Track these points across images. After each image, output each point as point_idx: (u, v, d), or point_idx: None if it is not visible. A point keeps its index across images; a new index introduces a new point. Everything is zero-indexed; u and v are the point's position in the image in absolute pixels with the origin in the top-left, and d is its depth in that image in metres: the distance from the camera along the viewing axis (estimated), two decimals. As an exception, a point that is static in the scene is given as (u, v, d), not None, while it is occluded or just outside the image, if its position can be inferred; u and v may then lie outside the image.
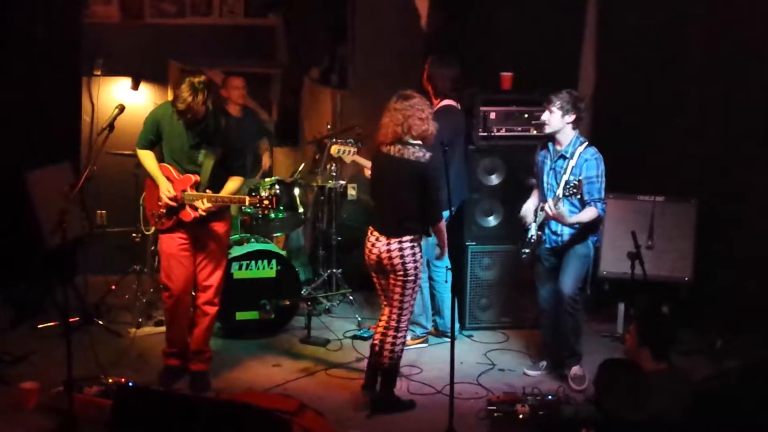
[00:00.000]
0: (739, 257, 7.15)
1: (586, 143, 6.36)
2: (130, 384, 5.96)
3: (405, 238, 6.01)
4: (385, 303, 6.25)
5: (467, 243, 7.61)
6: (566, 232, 6.43)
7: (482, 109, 7.51)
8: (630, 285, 6.43)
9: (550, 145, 6.48)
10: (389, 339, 6.16)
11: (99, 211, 8.82)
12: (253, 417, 5.11)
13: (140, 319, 7.56)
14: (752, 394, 4.92)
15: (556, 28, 8.17)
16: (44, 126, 8.05)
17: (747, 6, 7.05)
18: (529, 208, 6.65)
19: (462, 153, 7.34)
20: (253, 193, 7.52)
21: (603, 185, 6.31)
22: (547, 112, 6.35)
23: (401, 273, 6.04)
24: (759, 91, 7.04)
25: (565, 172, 6.32)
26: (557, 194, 6.25)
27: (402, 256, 6.01)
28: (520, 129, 7.59)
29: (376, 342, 6.23)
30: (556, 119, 6.32)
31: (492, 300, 7.72)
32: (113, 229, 8.60)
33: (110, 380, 6.05)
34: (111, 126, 6.08)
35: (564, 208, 6.22)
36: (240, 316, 7.40)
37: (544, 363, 6.86)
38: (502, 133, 7.58)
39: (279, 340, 7.46)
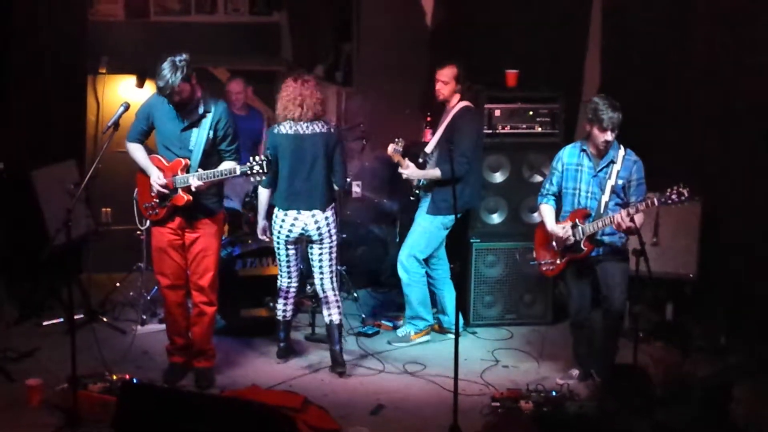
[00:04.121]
0: (744, 254, 7.14)
1: (621, 145, 6.31)
2: (135, 381, 6.00)
3: (331, 207, 6.68)
4: (290, 270, 6.84)
5: (472, 240, 7.62)
6: (606, 240, 6.33)
7: (487, 106, 7.52)
8: (635, 282, 6.42)
9: (582, 153, 6.37)
10: (337, 300, 6.81)
11: (104, 209, 8.84)
12: (258, 413, 5.11)
13: (144, 317, 7.57)
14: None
15: (561, 26, 8.17)
16: (49, 124, 8.08)
17: (751, 5, 7.04)
18: (562, 227, 6.38)
19: (480, 158, 7.38)
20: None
21: None
22: (610, 134, 6.17)
23: (333, 240, 6.72)
24: (761, 90, 7.02)
25: (610, 178, 6.26)
26: (634, 206, 6.05)
27: (334, 223, 6.71)
28: (524, 126, 7.60)
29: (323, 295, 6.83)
30: (614, 135, 6.25)
31: (496, 297, 7.72)
32: (118, 226, 8.62)
33: (115, 377, 6.06)
34: (116, 124, 6.07)
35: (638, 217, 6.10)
36: (245, 313, 7.41)
37: (576, 372, 6.69)
38: (507, 130, 7.58)
39: (283, 338, 7.47)
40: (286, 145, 6.57)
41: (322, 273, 6.77)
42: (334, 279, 6.83)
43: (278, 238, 6.72)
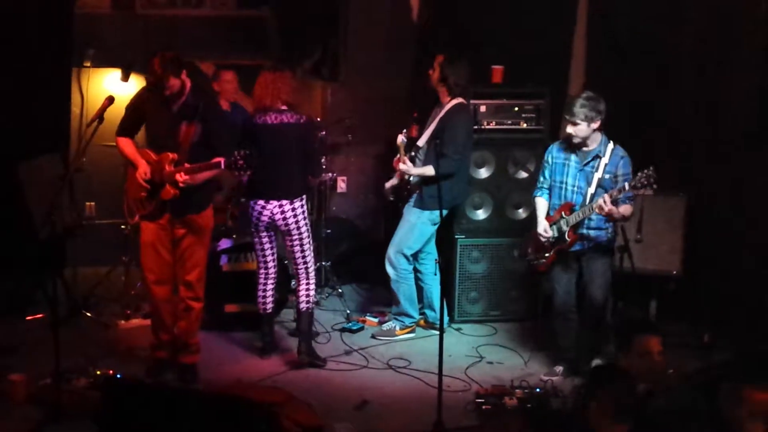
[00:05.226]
0: (728, 251, 7.17)
1: (611, 141, 6.32)
2: (119, 376, 5.97)
3: (300, 198, 6.71)
4: (266, 260, 6.91)
5: (456, 236, 7.62)
6: (592, 234, 6.37)
7: (472, 102, 7.51)
8: (618, 278, 6.44)
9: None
10: (307, 289, 6.82)
11: (88, 203, 8.80)
12: (242, 409, 5.10)
13: (129, 311, 7.54)
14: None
15: (547, 22, 8.17)
16: (34, 117, 8.02)
17: (736, 5, 7.07)
18: (544, 229, 6.47)
19: (471, 155, 7.37)
20: None
21: None
22: (570, 126, 6.22)
23: (302, 231, 6.73)
24: (747, 88, 7.05)
25: (597, 171, 6.28)
26: (612, 194, 6.06)
27: (303, 215, 6.72)
28: (510, 122, 7.61)
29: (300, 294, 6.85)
30: (583, 129, 6.20)
31: (481, 293, 7.73)
32: (103, 220, 8.59)
33: (98, 372, 6.06)
34: (101, 117, 6.07)
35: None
36: (229, 308, 7.40)
37: (560, 368, 6.69)
38: (492, 126, 7.59)
39: (268, 333, 7.45)
40: (263, 134, 6.60)
41: (296, 265, 6.82)
42: (310, 270, 6.83)
43: (250, 226, 6.78)
